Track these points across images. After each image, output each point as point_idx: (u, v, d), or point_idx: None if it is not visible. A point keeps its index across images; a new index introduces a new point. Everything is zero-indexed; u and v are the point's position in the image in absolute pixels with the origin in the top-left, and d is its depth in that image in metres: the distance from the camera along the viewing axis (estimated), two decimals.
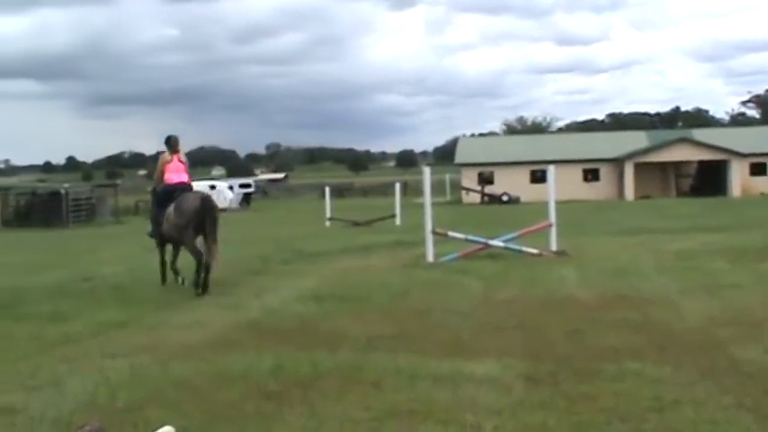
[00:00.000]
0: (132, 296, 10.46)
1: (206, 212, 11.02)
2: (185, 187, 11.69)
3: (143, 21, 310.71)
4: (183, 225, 11.01)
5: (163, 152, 12.07)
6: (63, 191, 41.79)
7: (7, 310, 9.41)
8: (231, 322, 8.31)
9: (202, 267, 10.79)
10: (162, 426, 4.48)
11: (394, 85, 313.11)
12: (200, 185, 55.06)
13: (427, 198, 14.21)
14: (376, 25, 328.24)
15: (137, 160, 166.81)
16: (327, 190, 31.92)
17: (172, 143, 11.83)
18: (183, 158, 11.98)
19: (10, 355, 6.85)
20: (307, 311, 8.83)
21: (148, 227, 12.79)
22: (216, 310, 9.21)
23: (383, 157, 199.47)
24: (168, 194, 11.57)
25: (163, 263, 11.94)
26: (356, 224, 27.85)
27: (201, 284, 10.66)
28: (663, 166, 52.11)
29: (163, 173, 11.78)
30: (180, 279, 11.72)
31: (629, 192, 50.17)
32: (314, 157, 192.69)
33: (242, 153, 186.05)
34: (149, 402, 5.22)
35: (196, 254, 11.00)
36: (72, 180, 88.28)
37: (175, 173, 11.73)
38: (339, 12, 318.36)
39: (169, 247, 12.03)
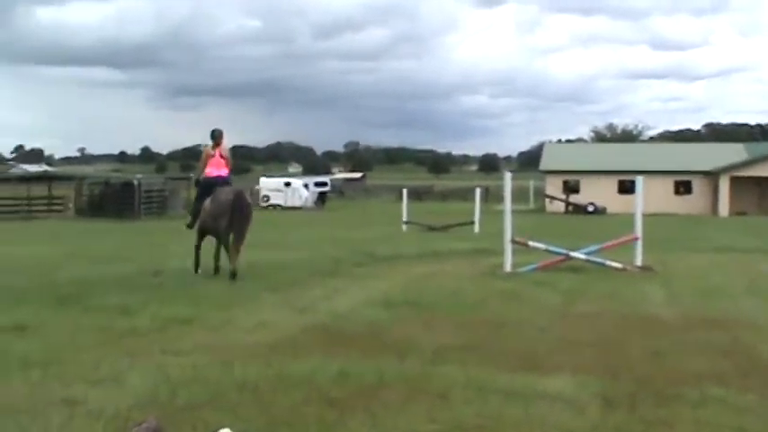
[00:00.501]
0: (200, 292, 10.45)
1: (236, 209, 11.48)
2: (224, 181, 12.30)
3: (224, 11, 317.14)
4: (217, 216, 11.62)
5: (206, 145, 12.76)
6: (136, 182, 41.76)
7: (75, 301, 9.49)
8: (298, 325, 8.19)
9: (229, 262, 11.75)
10: (220, 428, 4.42)
11: (479, 85, 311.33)
12: (275, 182, 55.73)
13: (508, 205, 13.89)
14: (462, 23, 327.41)
15: None
16: (405, 192, 31.34)
17: (216, 136, 12.41)
18: (226, 153, 12.58)
19: (74, 347, 6.88)
20: (376, 317, 8.66)
21: (188, 218, 13.28)
22: (283, 311, 9.12)
23: (465, 160, 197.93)
24: (208, 187, 12.18)
25: (197, 252, 12.41)
26: (432, 229, 27.63)
27: (230, 274, 11.34)
28: (762, 182, 49.66)
29: (205, 165, 12.42)
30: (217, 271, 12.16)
31: (724, 207, 48.28)
32: (393, 157, 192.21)
33: (319, 150, 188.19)
34: (209, 403, 5.14)
35: (228, 250, 11.83)
36: (146, 171, 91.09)
37: (215, 167, 12.35)
38: (424, 8, 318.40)
39: (210, 240, 12.44)
